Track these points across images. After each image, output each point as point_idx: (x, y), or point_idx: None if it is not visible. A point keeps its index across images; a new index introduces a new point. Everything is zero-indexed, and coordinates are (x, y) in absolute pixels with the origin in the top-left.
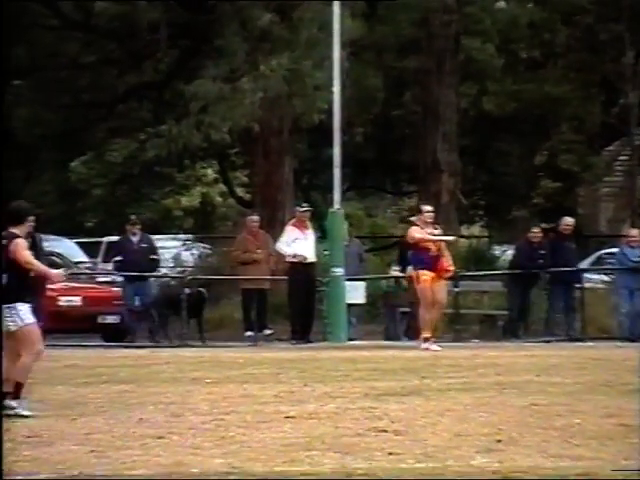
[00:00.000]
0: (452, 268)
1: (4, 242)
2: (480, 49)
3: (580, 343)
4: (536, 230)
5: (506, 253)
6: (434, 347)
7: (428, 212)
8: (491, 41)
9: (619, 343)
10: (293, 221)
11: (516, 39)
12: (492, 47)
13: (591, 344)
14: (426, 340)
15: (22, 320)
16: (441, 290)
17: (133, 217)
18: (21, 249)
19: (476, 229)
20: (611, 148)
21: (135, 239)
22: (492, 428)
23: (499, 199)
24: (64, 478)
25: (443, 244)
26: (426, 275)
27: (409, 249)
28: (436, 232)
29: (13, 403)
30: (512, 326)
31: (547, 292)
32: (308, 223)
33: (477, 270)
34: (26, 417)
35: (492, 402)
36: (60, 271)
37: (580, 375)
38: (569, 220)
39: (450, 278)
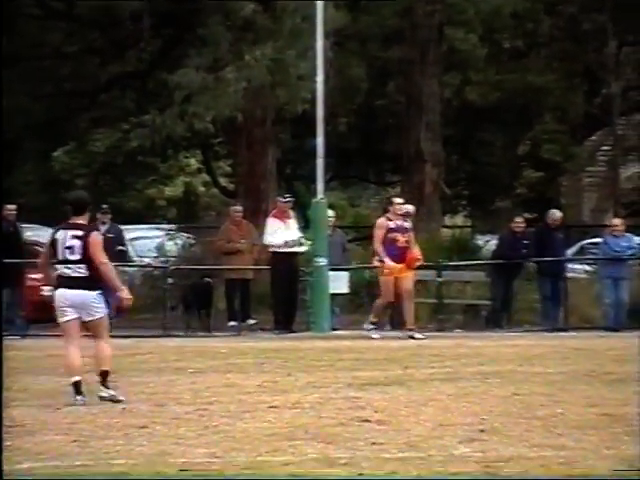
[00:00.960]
0: (420, 257)
1: (80, 233)
2: (463, 39)
3: (563, 333)
4: (519, 220)
5: (489, 243)
6: (375, 335)
7: (399, 204)
8: (474, 31)
9: (602, 333)
10: (274, 212)
11: (499, 29)
12: (475, 37)
13: (574, 334)
14: (373, 324)
15: (104, 308)
16: (408, 280)
17: (105, 206)
18: (99, 249)
19: (459, 219)
20: (594, 138)
21: (104, 229)
22: (475, 418)
23: (482, 189)
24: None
25: (412, 236)
26: (389, 267)
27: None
28: (406, 224)
29: (109, 392)
30: (495, 316)
31: (535, 283)
32: (290, 213)
33: (460, 260)
34: (120, 402)
35: (475, 392)
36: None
37: (563, 365)
38: (558, 214)
39: (433, 267)
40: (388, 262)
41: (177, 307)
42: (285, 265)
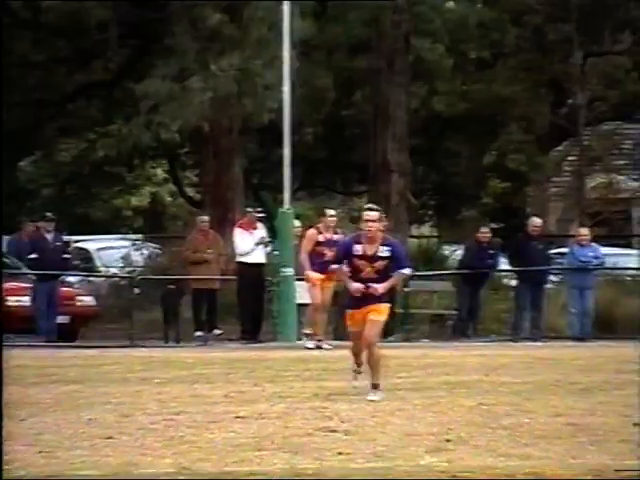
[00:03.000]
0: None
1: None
2: (430, 49)
3: (530, 343)
4: (485, 230)
5: (455, 253)
6: (310, 344)
7: (331, 217)
8: (441, 41)
9: (568, 343)
10: (240, 222)
11: (465, 39)
12: (442, 47)
13: (540, 344)
14: (308, 336)
15: None
16: (328, 292)
17: (48, 214)
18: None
19: (426, 229)
20: (560, 148)
21: (50, 237)
22: (441, 428)
23: (449, 199)
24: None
25: None
26: (315, 277)
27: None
28: (335, 237)
29: None
30: (461, 326)
31: (505, 293)
32: (257, 224)
33: (427, 270)
34: None
35: (441, 402)
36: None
37: (529, 375)
38: (537, 221)
39: None
40: (309, 273)
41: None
42: (251, 275)
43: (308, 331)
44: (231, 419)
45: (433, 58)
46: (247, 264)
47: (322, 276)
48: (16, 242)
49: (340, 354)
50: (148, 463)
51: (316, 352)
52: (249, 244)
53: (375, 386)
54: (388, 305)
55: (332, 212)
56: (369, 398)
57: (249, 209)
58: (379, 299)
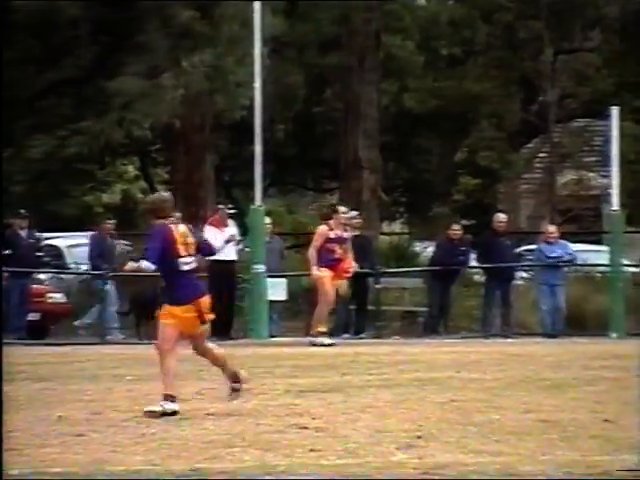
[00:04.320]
0: (352, 269)
1: None
2: (401, 46)
3: (500, 339)
4: (456, 227)
5: (426, 250)
6: (327, 341)
7: (344, 213)
8: (411, 38)
9: (539, 339)
10: (211, 219)
11: (436, 36)
12: (412, 44)
13: (511, 340)
14: (321, 334)
15: None
16: (337, 289)
17: (22, 211)
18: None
19: (397, 226)
20: (530, 145)
21: (24, 234)
22: (412, 424)
23: (420, 196)
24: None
25: (349, 246)
26: (326, 273)
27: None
28: (345, 235)
29: None
30: (432, 323)
31: (477, 289)
32: (227, 221)
33: (398, 267)
34: None
35: (412, 398)
36: None
37: (500, 371)
38: (502, 217)
39: (370, 275)
40: (315, 270)
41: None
42: (222, 272)
43: (322, 329)
44: (202, 416)
45: (404, 55)
46: (218, 261)
47: (332, 273)
48: None
49: (318, 351)
50: (119, 460)
51: (313, 348)
52: (220, 241)
53: None
54: None
55: (344, 209)
56: None
57: (220, 206)
58: None
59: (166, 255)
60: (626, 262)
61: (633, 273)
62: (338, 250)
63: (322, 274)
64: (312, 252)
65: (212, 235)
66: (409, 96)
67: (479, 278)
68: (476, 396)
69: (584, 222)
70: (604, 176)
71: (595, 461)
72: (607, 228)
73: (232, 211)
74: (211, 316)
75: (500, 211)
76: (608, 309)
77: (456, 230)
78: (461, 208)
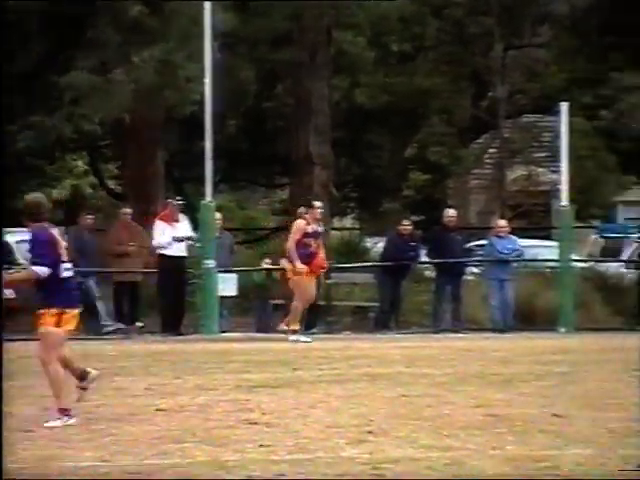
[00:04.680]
0: (326, 265)
1: None
2: (352, 42)
3: (450, 334)
4: (406, 222)
5: (377, 245)
6: (304, 338)
7: (320, 208)
8: (363, 34)
9: (489, 334)
10: (162, 214)
11: (387, 32)
12: (364, 40)
13: (461, 335)
14: (294, 332)
15: None
16: (312, 285)
17: None
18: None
19: (348, 221)
20: (480, 141)
21: None
22: (363, 419)
23: (370, 191)
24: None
25: (321, 241)
26: (300, 269)
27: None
28: (319, 229)
29: None
30: (383, 318)
31: (428, 285)
32: (179, 216)
33: (349, 262)
34: None
35: (363, 394)
36: None
37: (450, 366)
38: (451, 212)
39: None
40: (299, 265)
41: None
42: (172, 268)
43: (296, 327)
44: (152, 412)
45: (355, 51)
46: (168, 257)
47: (307, 269)
48: None
49: (269, 346)
50: (68, 456)
51: (264, 344)
52: (169, 237)
53: None
54: None
55: (319, 204)
56: None
57: (171, 201)
58: None
59: (51, 260)
60: (575, 257)
61: (582, 268)
62: (313, 244)
63: (302, 269)
64: (292, 246)
65: (161, 230)
66: (360, 92)
67: (429, 273)
68: (426, 391)
69: (533, 217)
70: (554, 172)
71: (544, 455)
72: (556, 223)
73: (181, 205)
74: (70, 328)
75: (450, 206)
76: (557, 304)
77: (406, 225)
78: (411, 203)
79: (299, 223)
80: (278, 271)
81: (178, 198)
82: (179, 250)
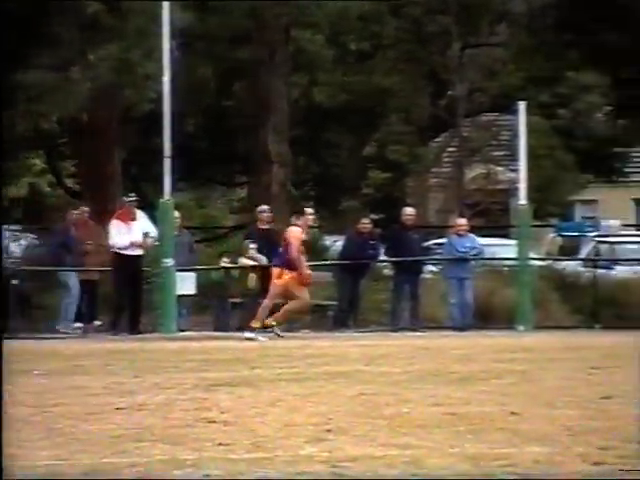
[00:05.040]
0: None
1: None
2: (310, 40)
3: (409, 333)
4: (365, 221)
5: (336, 243)
6: (261, 338)
7: (312, 215)
8: (321, 32)
9: (448, 332)
10: (118, 213)
11: (346, 31)
12: (322, 38)
13: (420, 334)
14: (253, 330)
15: None
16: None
17: None
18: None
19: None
20: (439, 139)
21: None
22: (321, 418)
23: (329, 190)
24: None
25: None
26: (287, 274)
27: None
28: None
29: None
30: (342, 316)
31: (386, 283)
32: (135, 214)
33: (307, 260)
34: None
35: (322, 392)
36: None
37: (409, 364)
38: (410, 210)
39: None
40: (306, 271)
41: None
42: (127, 266)
43: (257, 325)
44: (110, 411)
45: (313, 49)
46: (123, 255)
47: (293, 274)
48: None
49: (227, 345)
50: (24, 455)
51: (222, 342)
52: (124, 236)
53: None
54: None
55: (311, 210)
56: None
57: (127, 199)
58: None
59: None
60: (533, 256)
61: (540, 267)
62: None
63: (285, 274)
64: (296, 255)
65: (117, 230)
66: (319, 90)
67: (388, 272)
68: (385, 389)
69: (492, 216)
70: (512, 170)
71: (502, 453)
72: (515, 222)
73: (137, 203)
74: None
75: (408, 205)
76: (515, 302)
77: (365, 224)
78: (370, 202)
79: (297, 231)
80: (237, 269)
81: (132, 196)
82: (134, 249)
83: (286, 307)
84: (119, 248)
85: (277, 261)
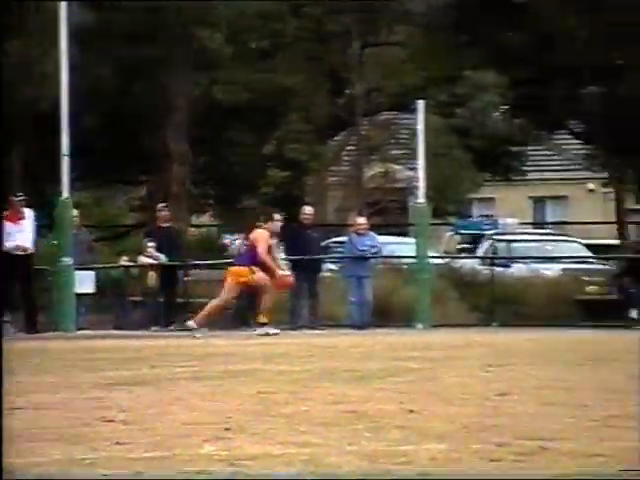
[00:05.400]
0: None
1: None
2: (210, 38)
3: (309, 331)
4: (274, 219)
5: (236, 242)
6: (198, 334)
7: (279, 221)
8: (220, 31)
9: (347, 331)
10: (6, 213)
11: (246, 29)
12: (222, 37)
13: (319, 332)
14: (262, 325)
15: None
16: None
17: None
18: None
19: (206, 218)
20: (338, 138)
21: None
22: (221, 416)
23: (229, 188)
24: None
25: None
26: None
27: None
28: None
29: None
30: (241, 314)
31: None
32: (23, 213)
33: (207, 259)
34: None
35: (221, 390)
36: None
37: (308, 363)
38: (308, 209)
39: (179, 267)
40: (280, 272)
41: None
42: (17, 264)
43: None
44: (8, 409)
45: (214, 47)
46: (12, 256)
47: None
48: None
49: (126, 344)
50: None
51: (122, 341)
52: (12, 236)
53: None
54: None
55: (279, 216)
56: None
57: (13, 198)
58: None
59: None
60: (431, 254)
61: (438, 265)
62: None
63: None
64: (265, 257)
65: (8, 230)
66: (219, 88)
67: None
68: (284, 388)
69: (391, 214)
70: (410, 169)
71: (400, 451)
72: (413, 220)
73: (25, 201)
74: None
75: (307, 204)
76: (414, 300)
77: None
78: (270, 200)
79: (263, 233)
80: (136, 268)
81: (20, 195)
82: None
83: (211, 304)
84: (8, 249)
85: (241, 261)
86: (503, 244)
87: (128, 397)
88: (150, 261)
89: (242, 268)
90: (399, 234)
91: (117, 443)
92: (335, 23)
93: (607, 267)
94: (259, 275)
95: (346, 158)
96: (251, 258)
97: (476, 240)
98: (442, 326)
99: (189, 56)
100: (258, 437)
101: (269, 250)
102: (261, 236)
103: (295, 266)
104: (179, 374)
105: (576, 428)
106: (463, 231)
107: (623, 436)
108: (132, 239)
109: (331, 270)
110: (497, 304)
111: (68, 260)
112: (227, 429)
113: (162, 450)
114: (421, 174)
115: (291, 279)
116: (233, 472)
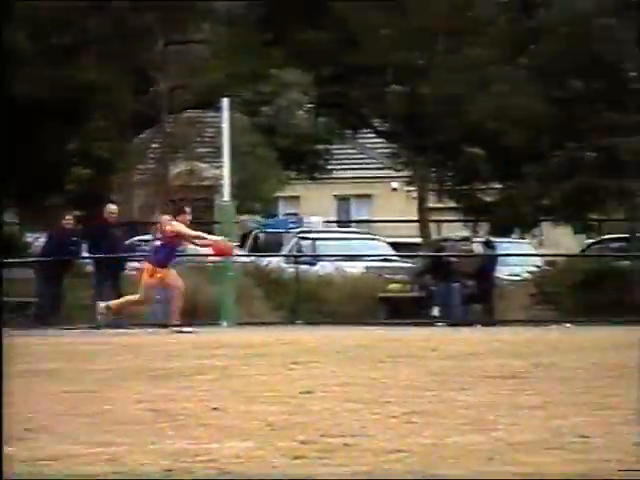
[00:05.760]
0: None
1: None
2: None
3: (113, 330)
4: (68, 217)
5: (39, 240)
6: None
7: (189, 214)
8: (22, 28)
9: (151, 329)
10: None
11: (50, 25)
12: (24, 33)
13: (123, 331)
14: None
15: None
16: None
17: None
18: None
19: (8, 216)
20: (143, 135)
21: None
22: (22, 416)
23: (32, 186)
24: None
25: None
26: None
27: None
28: None
29: None
30: (43, 314)
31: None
32: None
33: (9, 257)
34: None
35: (23, 390)
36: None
37: (112, 362)
38: (112, 207)
39: None
40: (211, 237)
41: None
42: None
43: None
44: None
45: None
46: None
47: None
48: None
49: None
50: None
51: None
52: None
53: None
54: None
55: (189, 210)
56: None
57: None
58: None
59: None
60: (236, 252)
61: (243, 263)
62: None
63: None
64: (197, 233)
65: None
66: (21, 85)
67: (91, 269)
68: (88, 387)
69: (196, 212)
70: (216, 167)
71: (203, 449)
72: (218, 218)
73: None
74: None
75: (111, 202)
76: (219, 299)
77: (69, 220)
78: (74, 198)
79: (177, 223)
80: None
81: None
82: None
83: (128, 298)
84: None
85: (150, 258)
86: (308, 242)
87: None
88: None
89: (155, 265)
90: (205, 232)
91: None
92: (139, 20)
93: (410, 265)
94: (173, 274)
95: (152, 156)
96: (165, 255)
97: (281, 238)
98: (247, 324)
99: None
100: (60, 437)
101: (175, 238)
102: (179, 225)
103: (97, 264)
104: None
105: (378, 425)
106: (268, 229)
107: (423, 432)
108: None
109: (135, 268)
110: (302, 302)
111: None
112: (28, 429)
113: None
114: (226, 172)
115: (229, 244)
116: (30, 473)
